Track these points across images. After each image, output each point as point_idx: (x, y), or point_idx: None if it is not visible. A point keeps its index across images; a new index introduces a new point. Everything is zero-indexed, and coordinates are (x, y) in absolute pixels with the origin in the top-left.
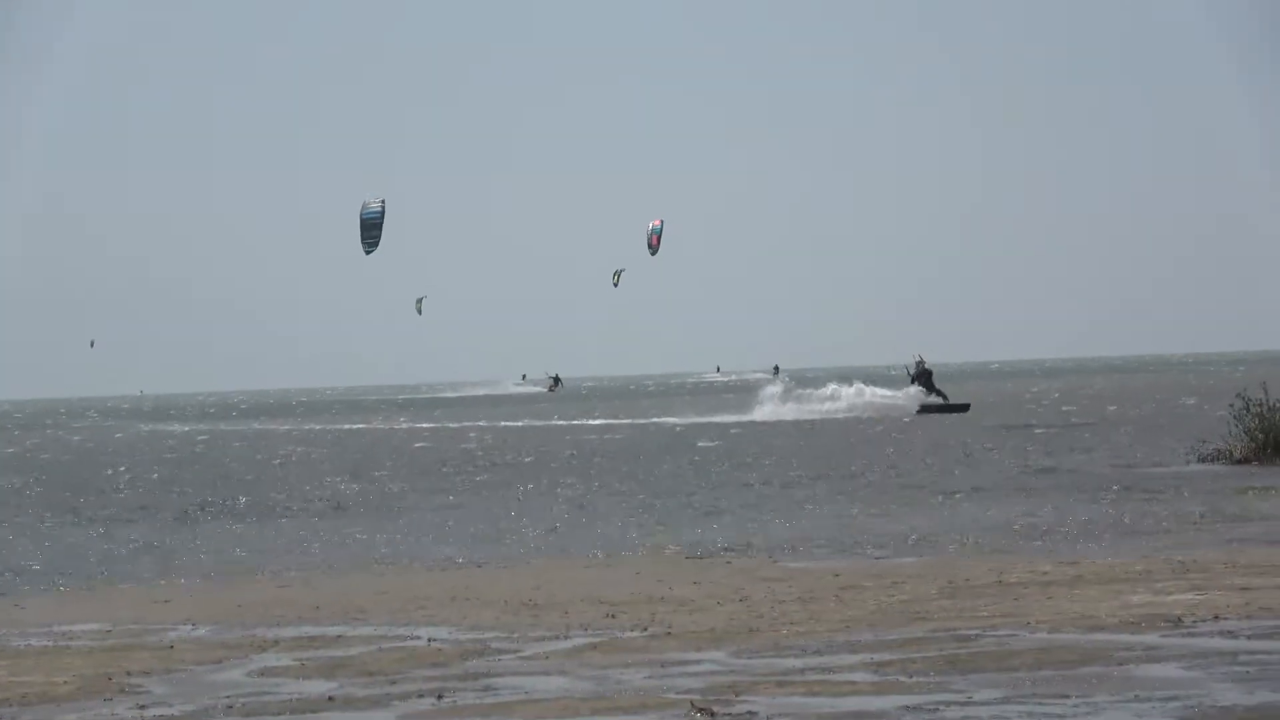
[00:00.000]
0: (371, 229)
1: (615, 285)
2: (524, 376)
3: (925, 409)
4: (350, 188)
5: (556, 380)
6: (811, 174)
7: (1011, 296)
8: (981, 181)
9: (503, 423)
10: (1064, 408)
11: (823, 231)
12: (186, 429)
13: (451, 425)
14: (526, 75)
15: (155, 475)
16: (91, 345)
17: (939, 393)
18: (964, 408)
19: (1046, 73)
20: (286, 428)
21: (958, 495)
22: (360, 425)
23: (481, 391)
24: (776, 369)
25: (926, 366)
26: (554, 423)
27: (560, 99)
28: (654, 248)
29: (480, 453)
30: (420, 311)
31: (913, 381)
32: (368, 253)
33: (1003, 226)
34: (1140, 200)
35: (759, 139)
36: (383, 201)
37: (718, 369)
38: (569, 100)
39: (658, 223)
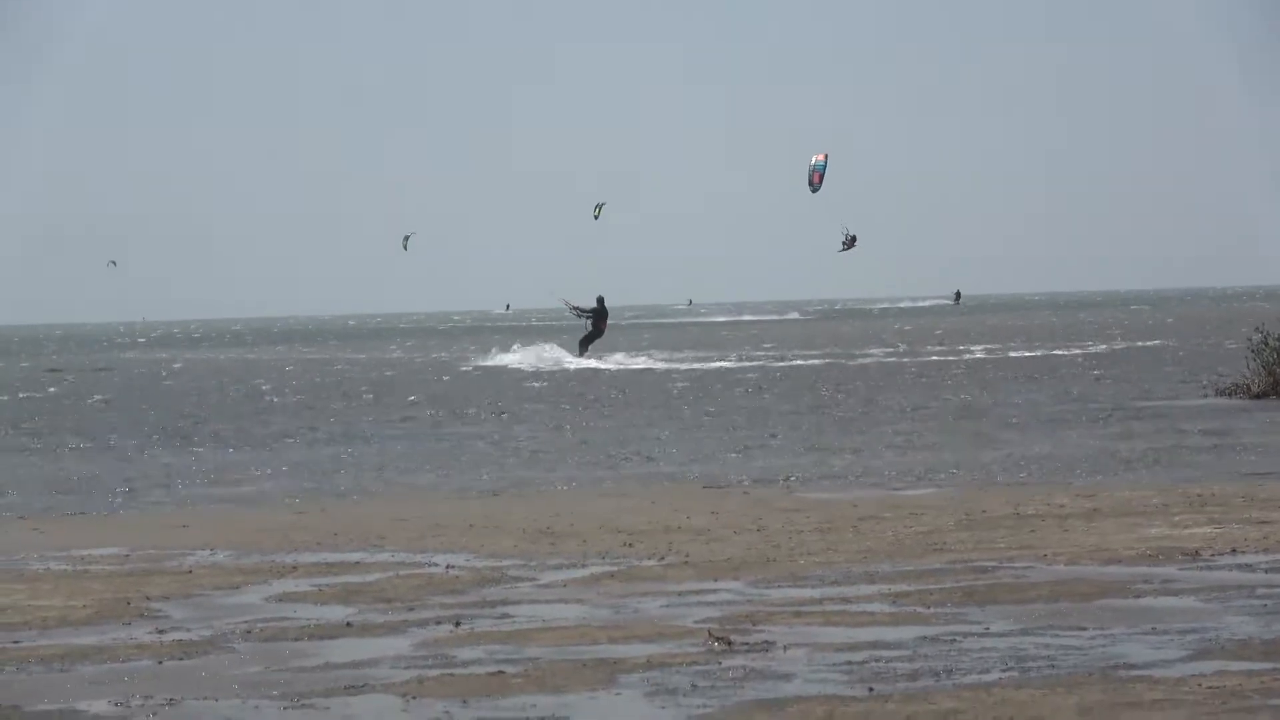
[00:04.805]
0: None
1: (596, 218)
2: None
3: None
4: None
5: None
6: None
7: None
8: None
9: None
10: (1087, 341)
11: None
12: (225, 357)
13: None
14: None
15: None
16: (112, 264)
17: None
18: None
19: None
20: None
21: (975, 427)
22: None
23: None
24: (958, 294)
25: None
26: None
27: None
28: (815, 185)
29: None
30: (406, 247)
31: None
32: None
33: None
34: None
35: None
36: None
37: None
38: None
39: (821, 158)
